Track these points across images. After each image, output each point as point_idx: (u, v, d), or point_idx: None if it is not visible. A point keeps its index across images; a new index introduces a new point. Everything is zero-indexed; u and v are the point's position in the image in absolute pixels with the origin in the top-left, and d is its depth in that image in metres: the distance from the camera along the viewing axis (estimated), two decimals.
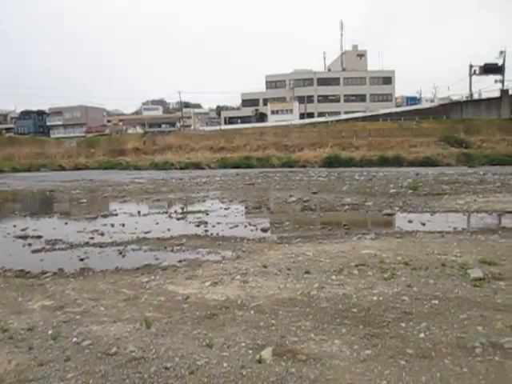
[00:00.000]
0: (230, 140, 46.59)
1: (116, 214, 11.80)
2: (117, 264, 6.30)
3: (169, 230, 9.02)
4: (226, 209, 12.25)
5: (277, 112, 64.82)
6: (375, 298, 4.27)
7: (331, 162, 34.43)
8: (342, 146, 41.27)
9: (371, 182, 19.15)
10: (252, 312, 4.08)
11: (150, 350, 3.32)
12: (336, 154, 36.48)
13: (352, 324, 3.72)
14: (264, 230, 8.83)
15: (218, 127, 59.59)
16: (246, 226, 9.38)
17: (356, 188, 16.79)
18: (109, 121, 72.68)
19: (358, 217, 10.60)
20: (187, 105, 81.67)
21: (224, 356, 3.17)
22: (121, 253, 7.15)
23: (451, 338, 3.35)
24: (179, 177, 26.03)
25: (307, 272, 5.25)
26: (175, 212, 11.80)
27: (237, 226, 9.41)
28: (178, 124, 64.60)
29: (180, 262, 6.27)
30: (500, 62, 65.24)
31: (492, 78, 66.22)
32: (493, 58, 65.94)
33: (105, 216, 11.49)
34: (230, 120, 67.60)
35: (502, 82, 64.74)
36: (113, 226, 9.75)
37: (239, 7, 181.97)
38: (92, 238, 8.38)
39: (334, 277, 5.04)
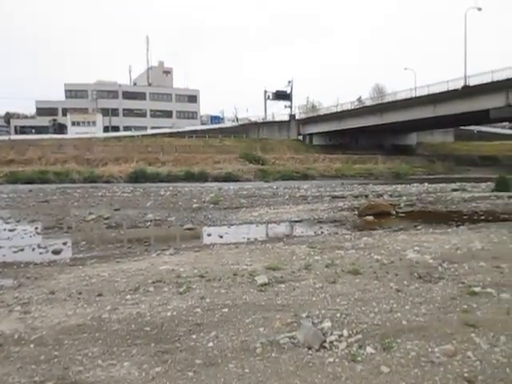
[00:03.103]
0: (22, 152, 41.55)
1: None
2: None
3: None
4: (10, 230, 10.78)
5: (78, 123, 60.62)
6: (169, 314, 4.27)
7: (137, 177, 33.87)
8: (149, 161, 41.03)
9: (176, 197, 19.47)
10: (32, 346, 3.61)
11: None
12: (142, 169, 36.05)
13: (144, 343, 3.63)
14: (55, 252, 8.04)
15: (6, 137, 52.40)
16: (34, 249, 8.40)
17: (160, 203, 16.83)
18: None
19: (159, 232, 10.62)
20: None
21: None
22: None
23: (236, 343, 3.55)
24: None
25: (100, 294, 4.95)
26: None
27: (23, 249, 8.35)
28: None
29: None
30: (288, 90, 74.61)
31: (283, 103, 75.26)
32: (283, 86, 74.94)
33: None
34: (22, 129, 60.60)
35: (290, 107, 74.17)
36: None
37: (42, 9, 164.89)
38: None
39: (128, 296, 4.87)
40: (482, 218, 12.03)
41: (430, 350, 3.27)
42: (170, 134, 59.07)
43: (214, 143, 54.77)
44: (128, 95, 73.34)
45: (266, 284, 5.08)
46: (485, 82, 41.18)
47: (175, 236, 10.21)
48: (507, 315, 3.93)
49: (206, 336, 3.71)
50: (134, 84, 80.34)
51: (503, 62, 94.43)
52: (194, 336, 3.72)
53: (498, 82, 39.88)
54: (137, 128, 64.49)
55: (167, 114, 76.26)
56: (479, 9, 47.06)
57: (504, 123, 61.93)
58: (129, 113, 72.40)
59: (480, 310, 4.08)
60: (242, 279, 5.39)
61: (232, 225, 11.22)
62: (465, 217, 12.31)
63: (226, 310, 4.32)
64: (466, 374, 2.92)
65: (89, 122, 61.34)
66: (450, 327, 3.69)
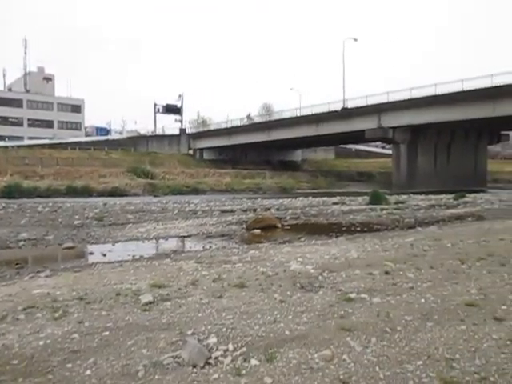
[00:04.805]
0: None
1: None
2: None
3: None
4: None
5: None
6: (41, 343, 3.89)
7: (11, 192, 30.69)
8: (25, 175, 37.58)
9: (56, 213, 18.04)
10: None
11: None
12: (17, 183, 32.84)
13: (10, 379, 3.24)
14: None
15: None
16: None
17: (38, 220, 15.43)
18: None
19: (34, 253, 9.66)
20: None
21: None
22: None
23: (117, 368, 3.35)
24: None
25: None
26: None
27: None
28: None
29: None
30: (179, 104, 74.43)
31: (173, 117, 74.86)
32: (174, 100, 74.66)
33: None
34: None
35: (181, 121, 74.01)
36: None
37: None
38: None
39: None
40: (358, 229, 13.07)
41: (310, 356, 3.43)
42: (51, 146, 55.04)
43: (100, 156, 52.29)
44: (1, 102, 66.82)
45: (150, 303, 4.91)
46: (360, 105, 45.42)
47: (53, 256, 9.38)
48: (377, 317, 4.29)
49: (84, 363, 3.44)
50: (9, 90, 73.45)
51: (385, 84, 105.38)
52: (69, 365, 3.43)
53: (371, 105, 44.28)
54: (12, 138, 59.03)
55: (47, 124, 71.03)
56: (355, 39, 51.97)
57: (377, 143, 68.62)
58: (2, 121, 66.00)
59: (355, 315, 4.39)
60: (125, 299, 5.14)
61: (117, 242, 10.69)
62: (343, 228, 13.26)
63: (107, 333, 4.07)
64: (341, 376, 3.11)
65: None
66: (328, 333, 3.90)
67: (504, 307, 4.55)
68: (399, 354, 3.47)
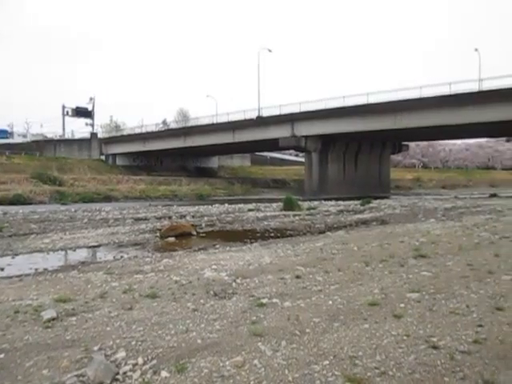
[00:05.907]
0: None
1: None
2: None
3: None
4: None
5: None
6: None
7: None
8: None
9: None
10: None
11: None
12: None
13: None
14: None
15: None
16: None
17: None
18: None
19: None
20: None
21: None
22: None
23: None
24: None
25: None
26: None
27: None
28: None
29: None
30: (90, 108, 71.03)
31: (84, 120, 71.26)
32: (85, 103, 71.11)
33: None
34: None
35: (92, 125, 70.64)
36: None
37: None
38: None
39: None
40: (272, 234, 13.37)
41: (221, 364, 3.43)
42: None
43: (0, 161, 48.16)
44: None
45: (53, 319, 4.59)
46: (274, 114, 46.69)
47: None
48: (288, 321, 4.41)
49: None
50: None
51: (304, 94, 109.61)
52: None
53: (284, 115, 45.71)
54: None
55: None
56: (270, 50, 53.36)
57: (291, 151, 70.87)
58: None
59: (266, 320, 4.47)
60: (24, 316, 4.75)
61: (17, 254, 9.84)
62: (258, 234, 13.48)
63: (2, 355, 3.73)
64: (252, 382, 3.15)
65: None
66: (240, 339, 3.93)
67: (402, 305, 4.91)
68: (308, 355, 3.59)
